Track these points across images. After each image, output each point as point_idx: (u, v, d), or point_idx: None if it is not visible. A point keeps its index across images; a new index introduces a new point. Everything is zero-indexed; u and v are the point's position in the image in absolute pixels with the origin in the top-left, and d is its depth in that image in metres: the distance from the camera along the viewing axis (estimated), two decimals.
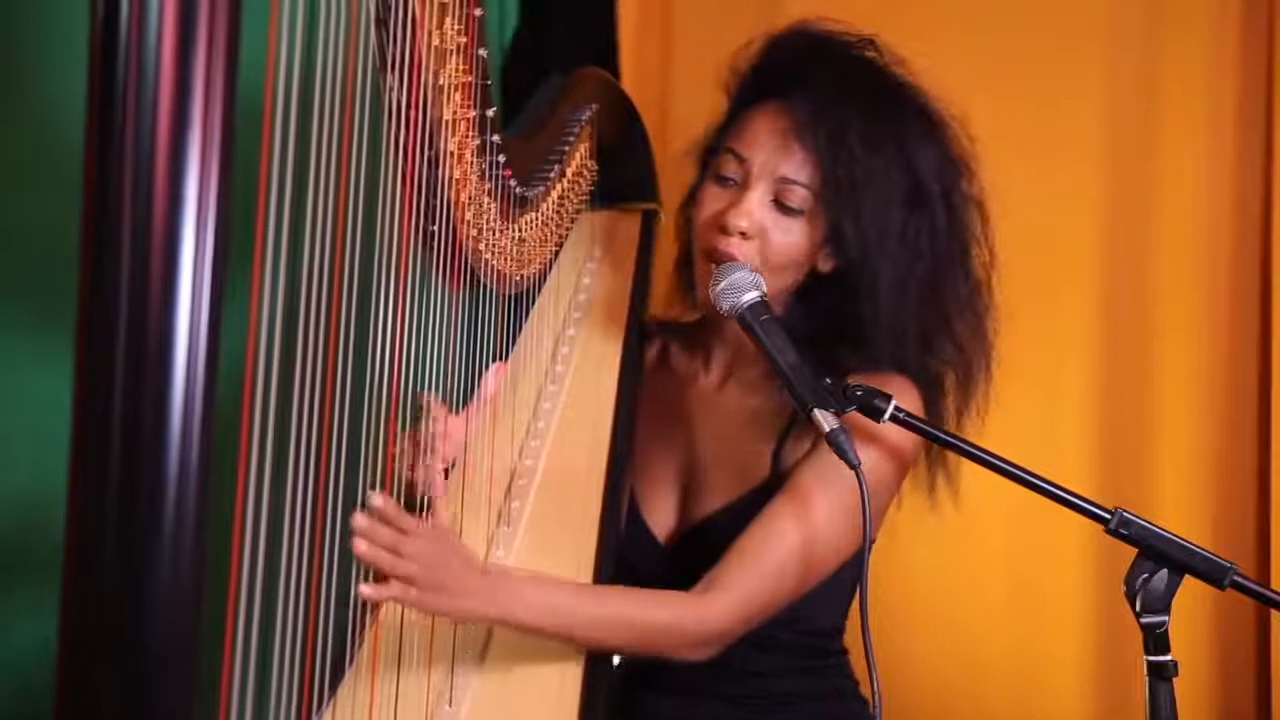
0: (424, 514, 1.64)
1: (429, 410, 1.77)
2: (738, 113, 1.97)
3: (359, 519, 1.51)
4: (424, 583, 1.59)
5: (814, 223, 1.88)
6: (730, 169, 1.91)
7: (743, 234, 1.87)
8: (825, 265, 1.91)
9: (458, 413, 1.83)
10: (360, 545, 1.52)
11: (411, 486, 1.78)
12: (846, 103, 1.86)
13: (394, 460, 1.77)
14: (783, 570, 1.80)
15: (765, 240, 1.88)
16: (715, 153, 1.97)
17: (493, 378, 1.87)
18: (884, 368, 1.87)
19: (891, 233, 1.85)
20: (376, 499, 1.54)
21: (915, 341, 1.88)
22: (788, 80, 1.91)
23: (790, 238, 1.88)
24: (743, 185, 1.90)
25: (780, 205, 1.88)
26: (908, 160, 1.86)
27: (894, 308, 1.86)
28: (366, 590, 1.55)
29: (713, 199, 1.92)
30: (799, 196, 1.87)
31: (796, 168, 1.87)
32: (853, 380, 1.78)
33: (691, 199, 2.02)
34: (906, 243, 1.86)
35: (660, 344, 2.10)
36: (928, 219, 1.87)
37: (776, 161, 1.88)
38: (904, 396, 1.81)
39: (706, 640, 1.78)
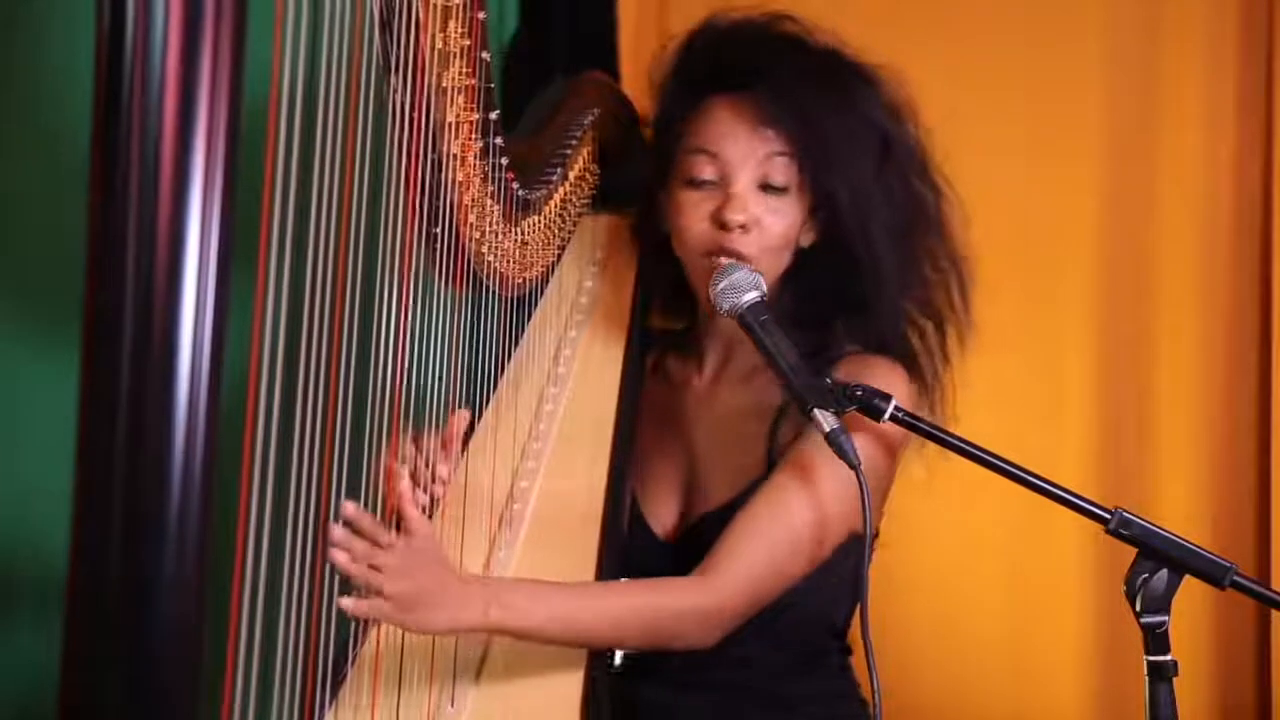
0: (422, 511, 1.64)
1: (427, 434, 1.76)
2: (681, 116, 1.97)
3: (335, 531, 1.47)
4: (402, 597, 1.55)
5: (798, 200, 1.91)
6: (704, 170, 1.92)
7: (742, 227, 1.88)
8: (806, 240, 1.94)
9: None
10: (339, 556, 1.48)
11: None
12: (806, 83, 1.91)
13: (392, 476, 1.76)
14: (784, 547, 1.79)
15: (761, 228, 1.89)
16: (669, 162, 1.96)
17: (456, 424, 1.78)
18: (873, 350, 1.91)
19: (875, 192, 1.90)
20: (349, 508, 1.50)
21: (908, 297, 1.94)
22: (734, 74, 1.93)
23: (781, 219, 1.90)
24: (724, 182, 1.91)
25: (765, 191, 1.90)
26: (870, 119, 1.92)
27: (890, 264, 1.91)
28: (346, 603, 1.51)
29: (697, 201, 1.92)
30: (781, 179, 1.90)
31: (773, 153, 1.90)
32: (844, 364, 1.86)
33: (649, 214, 2.02)
34: (887, 196, 1.91)
35: (655, 353, 2.11)
36: (897, 168, 1.93)
37: (752, 150, 1.90)
38: (895, 384, 1.84)
39: (714, 623, 1.76)
